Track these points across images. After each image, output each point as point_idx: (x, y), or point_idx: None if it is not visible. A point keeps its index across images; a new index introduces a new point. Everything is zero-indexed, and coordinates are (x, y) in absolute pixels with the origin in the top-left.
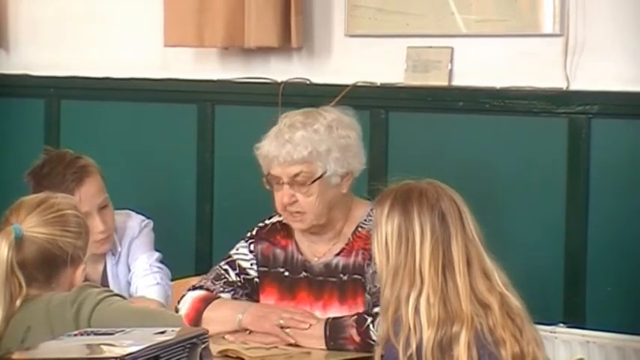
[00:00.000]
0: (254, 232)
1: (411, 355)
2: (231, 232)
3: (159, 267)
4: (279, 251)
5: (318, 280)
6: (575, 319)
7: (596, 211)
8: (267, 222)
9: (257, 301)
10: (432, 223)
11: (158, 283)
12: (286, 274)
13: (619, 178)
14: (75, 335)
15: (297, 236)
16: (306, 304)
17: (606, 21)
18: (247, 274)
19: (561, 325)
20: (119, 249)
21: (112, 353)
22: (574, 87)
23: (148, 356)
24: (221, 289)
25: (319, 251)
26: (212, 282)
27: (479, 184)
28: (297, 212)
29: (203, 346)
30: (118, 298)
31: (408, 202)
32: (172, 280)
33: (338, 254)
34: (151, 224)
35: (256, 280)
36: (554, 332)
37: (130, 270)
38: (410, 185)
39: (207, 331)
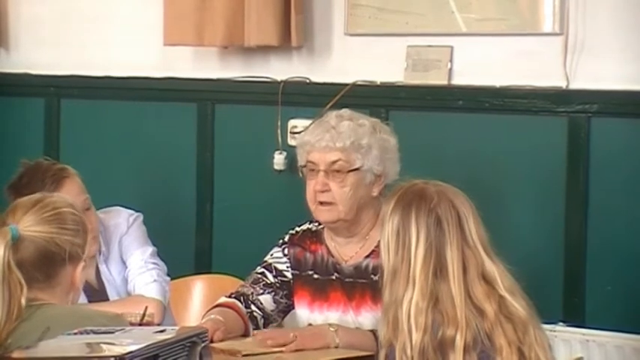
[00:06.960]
0: (286, 239)
1: None
2: (231, 231)
3: (154, 263)
4: (308, 255)
5: (348, 281)
6: (575, 318)
7: (595, 210)
8: (297, 229)
9: (292, 303)
10: (427, 228)
11: (155, 280)
12: (316, 276)
13: (619, 177)
14: (75, 334)
15: (327, 241)
16: (339, 304)
17: (606, 20)
18: (284, 276)
19: (561, 324)
20: (103, 248)
21: (111, 352)
22: (574, 86)
23: (147, 355)
24: (261, 290)
25: (347, 254)
26: (251, 286)
27: (478, 183)
28: (327, 202)
29: (203, 345)
30: None
31: (407, 205)
32: (172, 279)
33: (368, 256)
34: (141, 217)
35: (292, 282)
36: (554, 331)
37: (125, 267)
38: (413, 187)
39: (207, 329)
